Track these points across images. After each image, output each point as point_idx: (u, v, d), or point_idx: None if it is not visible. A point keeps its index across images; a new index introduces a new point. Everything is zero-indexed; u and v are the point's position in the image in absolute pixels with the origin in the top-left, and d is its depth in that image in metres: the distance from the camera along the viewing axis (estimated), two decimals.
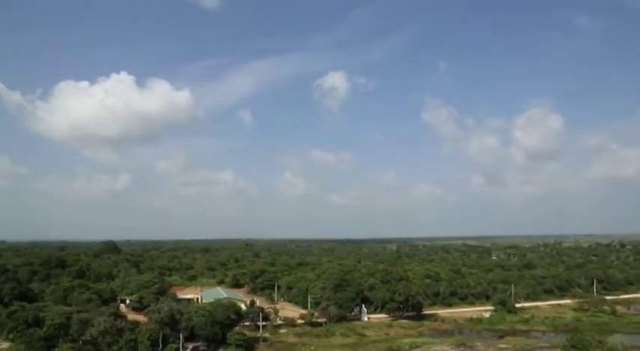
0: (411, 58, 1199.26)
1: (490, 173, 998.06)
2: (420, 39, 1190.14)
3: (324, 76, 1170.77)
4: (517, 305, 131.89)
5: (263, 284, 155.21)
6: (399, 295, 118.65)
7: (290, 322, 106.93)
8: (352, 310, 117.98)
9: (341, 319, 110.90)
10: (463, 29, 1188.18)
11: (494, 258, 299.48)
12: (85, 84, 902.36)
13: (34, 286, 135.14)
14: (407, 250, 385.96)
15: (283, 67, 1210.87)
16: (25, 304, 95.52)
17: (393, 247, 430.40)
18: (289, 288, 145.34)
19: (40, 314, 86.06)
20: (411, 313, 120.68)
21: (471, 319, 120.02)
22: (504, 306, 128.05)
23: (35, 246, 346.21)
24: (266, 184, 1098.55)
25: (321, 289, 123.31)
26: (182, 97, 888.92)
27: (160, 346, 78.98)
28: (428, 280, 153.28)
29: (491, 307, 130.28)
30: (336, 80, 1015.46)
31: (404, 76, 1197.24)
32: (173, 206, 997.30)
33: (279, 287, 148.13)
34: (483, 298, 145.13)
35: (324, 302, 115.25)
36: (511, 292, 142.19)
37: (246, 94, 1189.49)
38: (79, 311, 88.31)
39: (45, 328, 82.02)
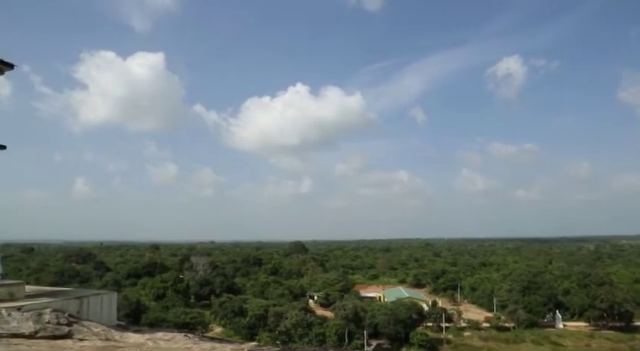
0: (598, 29, 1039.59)
1: None
2: (607, 5, 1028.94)
3: (496, 63, 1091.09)
4: None
5: (445, 285, 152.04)
6: (601, 301, 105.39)
7: (474, 325, 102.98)
8: (544, 316, 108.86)
9: (531, 324, 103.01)
10: None
11: None
12: (266, 99, 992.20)
13: (238, 280, 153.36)
14: (608, 250, 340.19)
15: (452, 62, 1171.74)
16: (231, 295, 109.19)
17: (591, 246, 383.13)
18: (472, 289, 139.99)
19: (244, 306, 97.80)
20: (617, 324, 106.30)
21: None
22: None
23: (236, 246, 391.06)
24: (443, 181, 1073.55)
25: (507, 291, 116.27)
26: (354, 102, 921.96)
27: (347, 341, 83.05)
28: (639, 286, 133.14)
29: None
30: (511, 66, 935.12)
31: (592, 50, 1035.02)
32: (353, 207, 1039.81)
33: (461, 288, 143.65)
34: None
35: (512, 305, 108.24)
36: None
37: (417, 92, 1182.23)
38: (274, 304, 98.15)
39: (247, 318, 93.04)
